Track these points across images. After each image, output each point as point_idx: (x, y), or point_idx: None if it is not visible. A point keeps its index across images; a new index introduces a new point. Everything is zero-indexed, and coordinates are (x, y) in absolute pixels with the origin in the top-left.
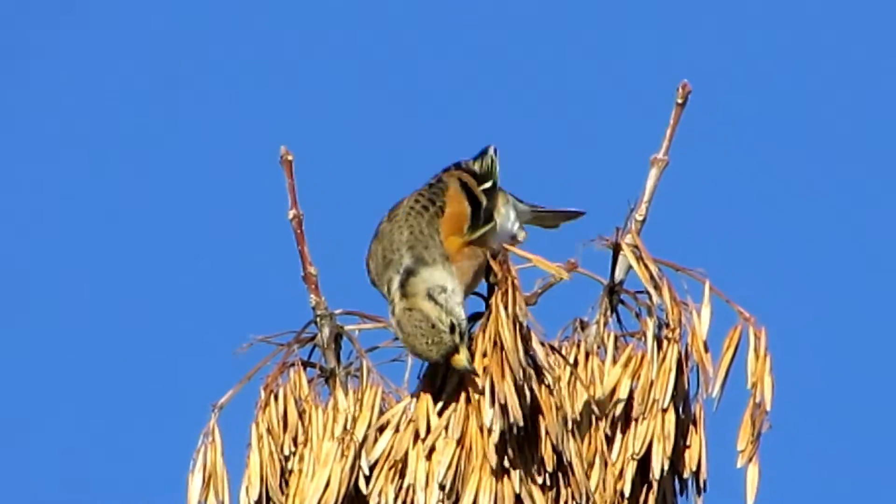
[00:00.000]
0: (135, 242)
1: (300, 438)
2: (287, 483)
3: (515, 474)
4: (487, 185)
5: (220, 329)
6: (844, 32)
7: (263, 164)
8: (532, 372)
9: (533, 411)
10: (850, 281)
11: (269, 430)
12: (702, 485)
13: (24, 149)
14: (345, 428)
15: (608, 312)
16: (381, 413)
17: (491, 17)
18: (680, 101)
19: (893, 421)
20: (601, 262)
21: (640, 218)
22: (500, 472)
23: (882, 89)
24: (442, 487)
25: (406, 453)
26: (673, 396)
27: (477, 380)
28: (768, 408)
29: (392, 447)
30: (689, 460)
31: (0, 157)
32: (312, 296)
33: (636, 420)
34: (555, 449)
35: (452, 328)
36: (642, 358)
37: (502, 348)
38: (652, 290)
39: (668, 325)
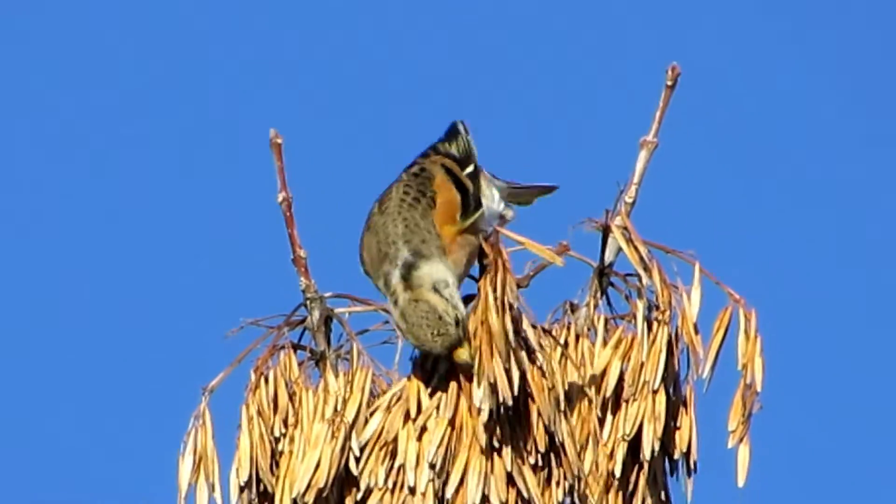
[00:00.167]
0: (124, 227)
1: (290, 420)
2: (277, 464)
3: (507, 454)
4: (470, 168)
5: (211, 312)
6: (834, 18)
7: (253, 148)
8: (523, 354)
9: (525, 393)
10: (840, 263)
11: (259, 413)
12: (692, 465)
13: (24, 149)
14: (335, 410)
15: (598, 295)
16: (372, 396)
17: (491, 18)
18: (669, 83)
19: (882, 402)
20: (591, 244)
21: (630, 200)
22: (489, 452)
23: (869, 73)
24: (432, 466)
25: (397, 434)
26: (663, 378)
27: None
28: (759, 389)
29: (383, 428)
30: (680, 441)
31: (0, 157)
32: (302, 279)
33: (627, 402)
34: (547, 429)
35: (457, 322)
36: (632, 340)
37: (490, 329)
38: (642, 272)
39: (658, 307)
